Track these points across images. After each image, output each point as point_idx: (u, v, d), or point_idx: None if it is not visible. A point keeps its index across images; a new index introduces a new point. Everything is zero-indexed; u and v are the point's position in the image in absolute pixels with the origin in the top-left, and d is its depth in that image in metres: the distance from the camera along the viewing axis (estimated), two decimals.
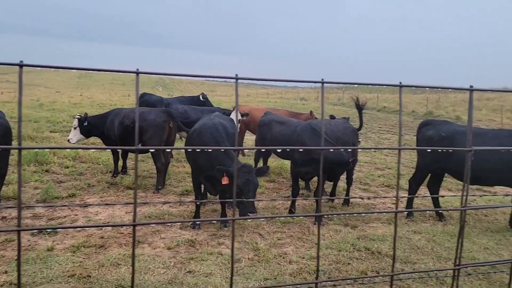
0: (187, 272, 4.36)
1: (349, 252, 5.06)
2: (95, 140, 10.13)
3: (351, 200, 7.64)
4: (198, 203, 5.94)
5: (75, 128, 7.76)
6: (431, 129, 6.31)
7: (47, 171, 8.13)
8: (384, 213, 6.71)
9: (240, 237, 5.47)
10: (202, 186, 6.03)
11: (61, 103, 23.04)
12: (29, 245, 4.78)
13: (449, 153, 6.07)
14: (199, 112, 9.53)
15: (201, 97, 12.18)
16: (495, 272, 4.44)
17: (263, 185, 8.38)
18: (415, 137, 7.08)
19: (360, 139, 10.32)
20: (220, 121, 6.00)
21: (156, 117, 7.42)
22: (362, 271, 4.54)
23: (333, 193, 7.58)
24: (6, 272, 4.10)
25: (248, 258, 4.77)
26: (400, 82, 1.52)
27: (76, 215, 5.95)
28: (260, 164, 9.38)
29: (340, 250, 5.08)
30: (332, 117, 8.23)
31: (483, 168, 5.51)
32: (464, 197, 1.73)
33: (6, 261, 4.35)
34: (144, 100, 12.17)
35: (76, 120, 7.73)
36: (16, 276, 3.84)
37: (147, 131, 7.29)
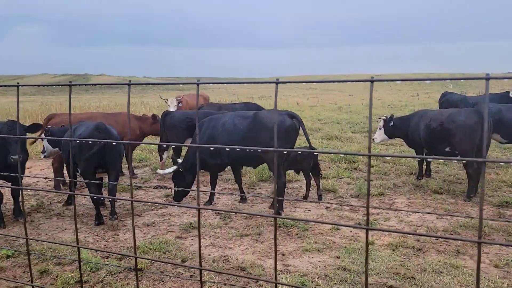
0: None
1: None
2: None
3: None
4: None
5: (380, 129, 8.08)
6: None
7: (355, 168, 8.89)
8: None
9: None
10: None
11: (356, 106, 24.86)
12: (352, 236, 5.32)
13: None
14: None
15: (511, 94, 10.31)
16: None
17: None
18: None
19: None
20: None
21: (467, 118, 6.78)
22: None
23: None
24: (338, 257, 4.71)
25: None
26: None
27: (388, 213, 6.19)
28: None
29: None
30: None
31: None
32: None
33: (337, 247, 4.99)
34: (446, 99, 11.45)
35: (382, 120, 8.03)
36: (348, 262, 4.29)
37: (456, 134, 6.76)
